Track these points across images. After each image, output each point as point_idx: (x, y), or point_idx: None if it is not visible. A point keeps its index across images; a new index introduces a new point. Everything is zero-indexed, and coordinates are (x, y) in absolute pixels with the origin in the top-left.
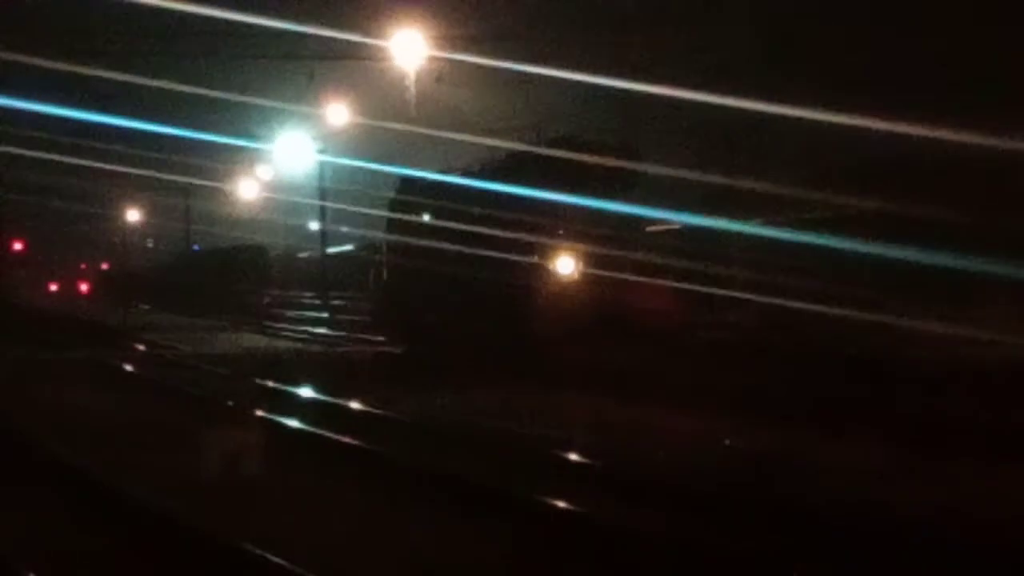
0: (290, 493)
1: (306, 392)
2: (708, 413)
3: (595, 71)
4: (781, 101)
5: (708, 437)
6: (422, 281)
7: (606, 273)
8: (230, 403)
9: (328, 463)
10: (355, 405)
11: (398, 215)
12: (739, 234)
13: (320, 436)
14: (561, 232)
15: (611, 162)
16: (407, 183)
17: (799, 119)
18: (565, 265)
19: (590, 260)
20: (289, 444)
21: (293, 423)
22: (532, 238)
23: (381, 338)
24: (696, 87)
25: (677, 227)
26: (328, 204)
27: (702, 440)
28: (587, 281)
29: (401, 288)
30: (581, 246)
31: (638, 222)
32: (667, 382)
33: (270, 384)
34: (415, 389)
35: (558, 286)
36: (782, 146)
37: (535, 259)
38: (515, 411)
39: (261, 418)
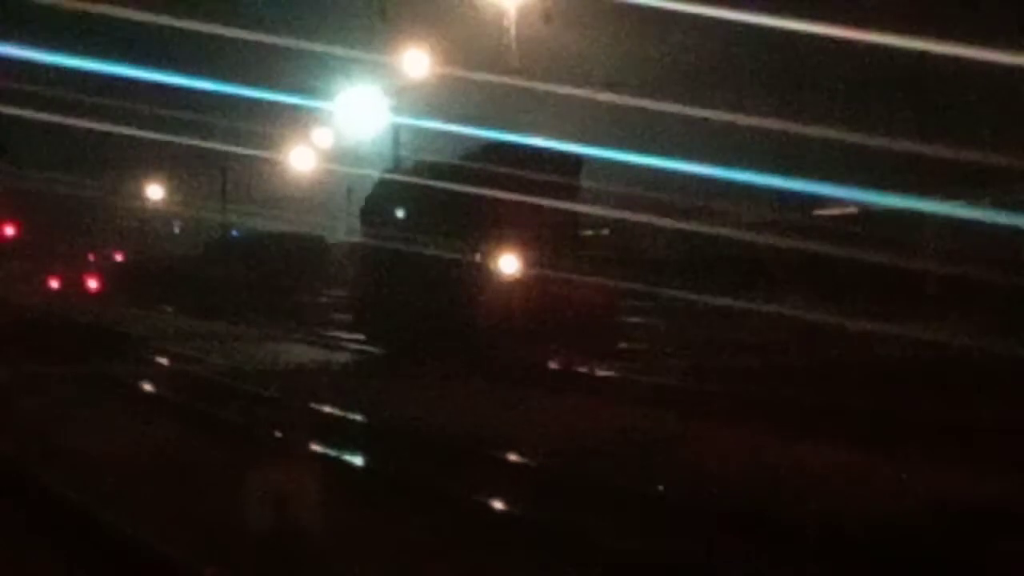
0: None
1: (376, 417)
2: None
3: (748, 5)
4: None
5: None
6: None
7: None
8: (278, 435)
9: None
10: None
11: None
12: (932, 217)
13: (397, 476)
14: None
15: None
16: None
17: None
18: None
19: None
20: (355, 488)
21: (359, 461)
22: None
23: None
24: (868, 27)
25: (853, 210)
26: (404, 178)
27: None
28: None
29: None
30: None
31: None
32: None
33: (327, 410)
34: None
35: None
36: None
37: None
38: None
39: (318, 455)
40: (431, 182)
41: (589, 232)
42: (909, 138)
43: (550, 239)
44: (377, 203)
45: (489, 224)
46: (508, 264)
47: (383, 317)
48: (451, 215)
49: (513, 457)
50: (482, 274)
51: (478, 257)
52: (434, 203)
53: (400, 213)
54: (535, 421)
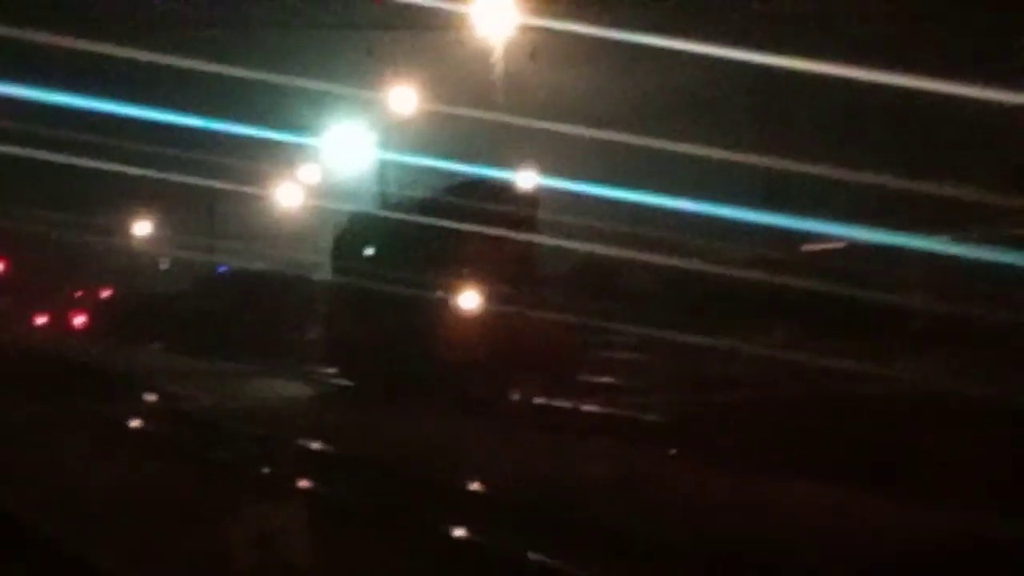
0: None
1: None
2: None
3: (733, 41)
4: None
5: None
6: None
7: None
8: (265, 471)
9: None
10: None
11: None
12: (918, 254)
13: (390, 513)
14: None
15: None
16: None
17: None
18: None
19: None
20: (341, 522)
21: (343, 495)
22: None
23: None
24: (853, 62)
25: (841, 245)
26: (391, 215)
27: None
28: None
29: None
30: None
31: (790, 240)
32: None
33: (315, 446)
34: None
35: None
36: (972, 141)
37: None
38: None
39: (305, 491)
40: (406, 216)
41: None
42: (896, 173)
43: (508, 274)
44: (346, 241)
45: (451, 259)
46: (469, 299)
47: (357, 354)
48: (416, 251)
49: (483, 489)
50: (444, 309)
51: (440, 293)
52: (401, 240)
53: (369, 251)
54: (505, 454)
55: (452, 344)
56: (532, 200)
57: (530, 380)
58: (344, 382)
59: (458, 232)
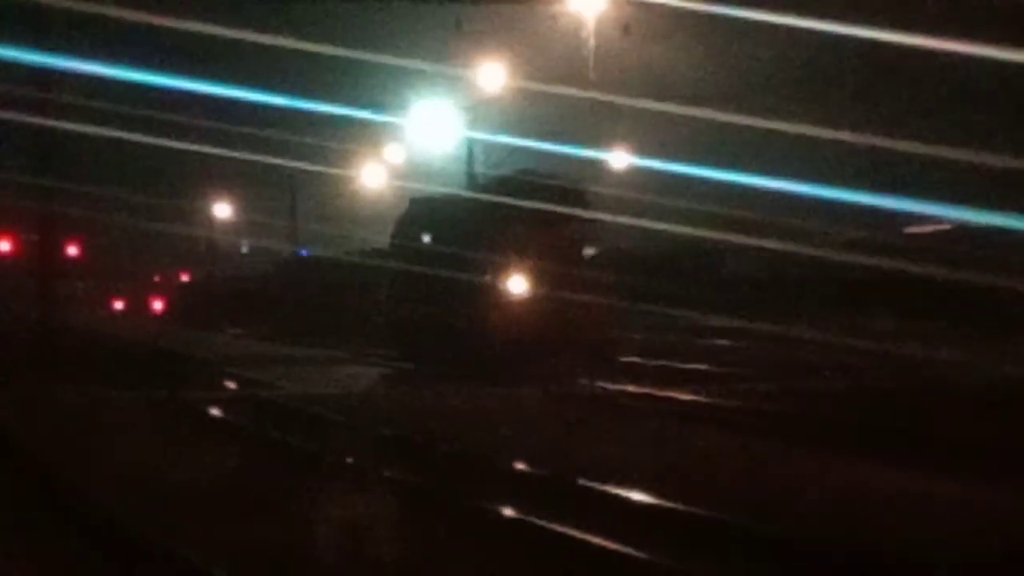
0: None
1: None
2: None
3: (837, 14)
4: None
5: None
6: None
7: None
8: (349, 460)
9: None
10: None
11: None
12: None
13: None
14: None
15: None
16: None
17: None
18: None
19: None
20: (432, 517)
21: (435, 488)
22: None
23: None
24: (966, 38)
25: (947, 227)
26: (479, 195)
27: None
28: None
29: None
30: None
31: (894, 222)
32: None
33: (402, 435)
34: None
35: None
36: None
37: None
38: None
39: (392, 481)
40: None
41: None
42: (1006, 152)
43: (557, 258)
44: (405, 226)
45: (506, 245)
46: (519, 283)
47: (417, 337)
48: (473, 237)
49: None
50: (498, 293)
51: (494, 277)
52: (459, 225)
53: (427, 237)
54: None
55: (504, 325)
56: (580, 192)
57: (597, 363)
58: (406, 365)
59: (511, 220)
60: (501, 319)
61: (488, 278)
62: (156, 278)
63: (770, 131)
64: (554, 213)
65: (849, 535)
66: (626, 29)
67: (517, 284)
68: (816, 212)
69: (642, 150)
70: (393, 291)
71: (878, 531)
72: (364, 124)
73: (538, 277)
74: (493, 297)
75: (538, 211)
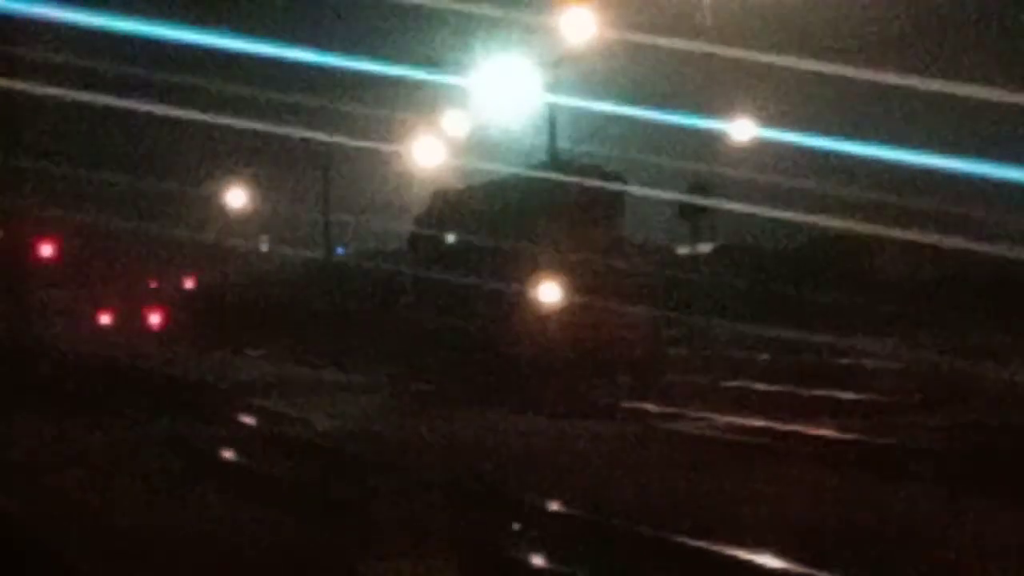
0: None
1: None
2: None
3: None
4: None
5: None
6: None
7: None
8: (397, 515)
9: None
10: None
11: None
12: None
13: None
14: None
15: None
16: None
17: None
18: None
19: None
20: None
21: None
22: None
23: None
24: None
25: None
26: (561, 178)
27: None
28: None
29: None
30: None
31: None
32: None
33: (457, 482)
34: None
35: None
36: None
37: None
38: None
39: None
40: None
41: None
42: None
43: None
44: (424, 228)
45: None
46: (551, 293)
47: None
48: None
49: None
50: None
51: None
52: (486, 225)
53: (450, 238)
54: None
55: (537, 342)
56: (617, 178)
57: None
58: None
59: (544, 215)
60: (534, 336)
61: (519, 286)
62: (152, 284)
63: (936, 95)
64: (596, 208)
65: None
66: None
67: (549, 293)
68: (995, 198)
69: (771, 120)
70: (410, 301)
71: None
72: (417, 87)
73: (589, 284)
74: (522, 311)
75: (578, 205)
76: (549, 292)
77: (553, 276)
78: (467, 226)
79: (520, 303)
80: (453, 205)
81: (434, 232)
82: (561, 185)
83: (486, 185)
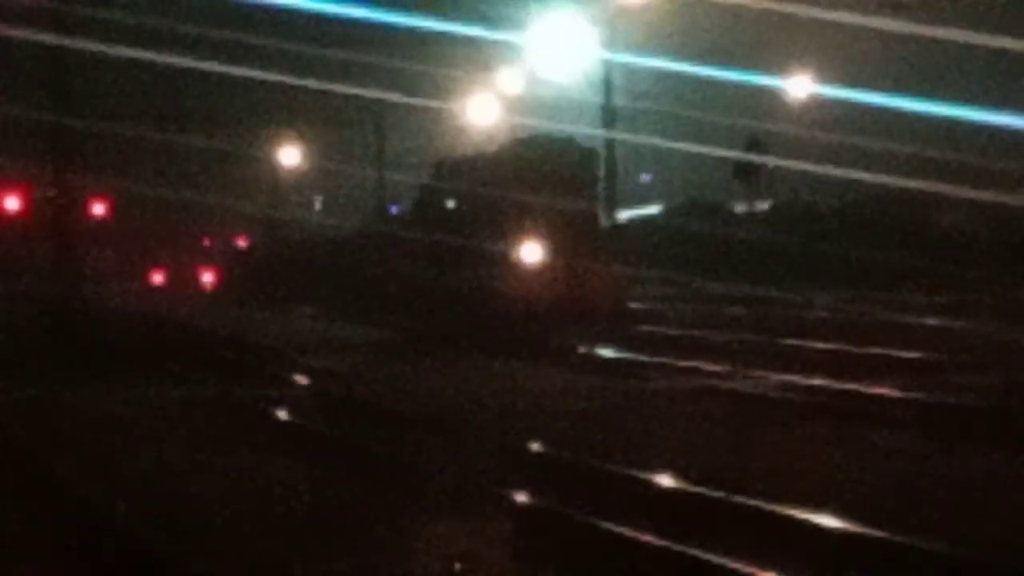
0: None
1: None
2: None
3: None
4: None
5: None
6: None
7: None
8: (450, 477)
9: None
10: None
11: None
12: None
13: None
14: None
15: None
16: None
17: None
18: None
19: None
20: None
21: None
22: None
23: None
24: None
25: None
26: (619, 136)
27: None
28: None
29: None
30: None
31: None
32: None
33: (535, 447)
34: None
35: None
36: None
37: None
38: None
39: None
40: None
41: None
42: None
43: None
44: (428, 193)
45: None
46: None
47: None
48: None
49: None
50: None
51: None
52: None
53: (451, 203)
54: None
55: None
56: (590, 155)
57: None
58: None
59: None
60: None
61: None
62: (206, 243)
63: (997, 51)
64: (581, 180)
65: None
66: None
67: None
68: None
69: (830, 76)
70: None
71: None
72: (471, 43)
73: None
74: (510, 268)
75: (562, 178)
76: (533, 253)
77: (537, 239)
78: (463, 194)
79: (507, 263)
80: (453, 173)
81: (433, 201)
82: (545, 159)
83: (482, 155)
